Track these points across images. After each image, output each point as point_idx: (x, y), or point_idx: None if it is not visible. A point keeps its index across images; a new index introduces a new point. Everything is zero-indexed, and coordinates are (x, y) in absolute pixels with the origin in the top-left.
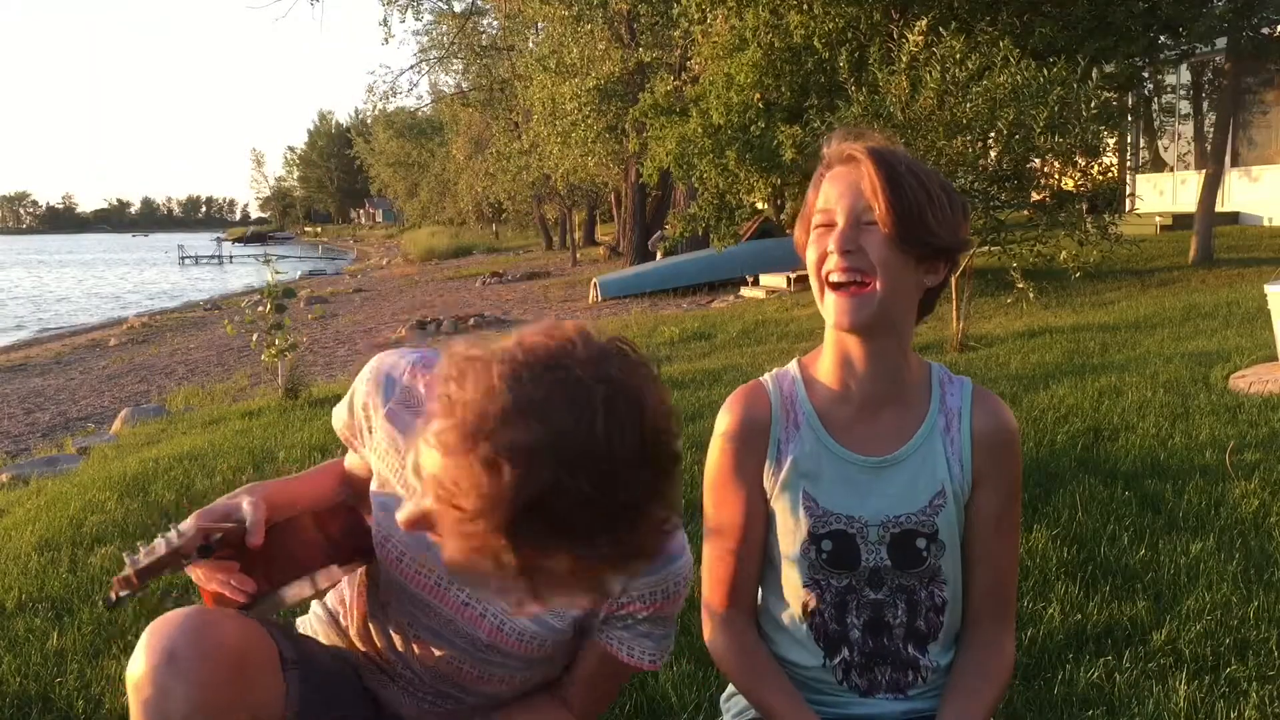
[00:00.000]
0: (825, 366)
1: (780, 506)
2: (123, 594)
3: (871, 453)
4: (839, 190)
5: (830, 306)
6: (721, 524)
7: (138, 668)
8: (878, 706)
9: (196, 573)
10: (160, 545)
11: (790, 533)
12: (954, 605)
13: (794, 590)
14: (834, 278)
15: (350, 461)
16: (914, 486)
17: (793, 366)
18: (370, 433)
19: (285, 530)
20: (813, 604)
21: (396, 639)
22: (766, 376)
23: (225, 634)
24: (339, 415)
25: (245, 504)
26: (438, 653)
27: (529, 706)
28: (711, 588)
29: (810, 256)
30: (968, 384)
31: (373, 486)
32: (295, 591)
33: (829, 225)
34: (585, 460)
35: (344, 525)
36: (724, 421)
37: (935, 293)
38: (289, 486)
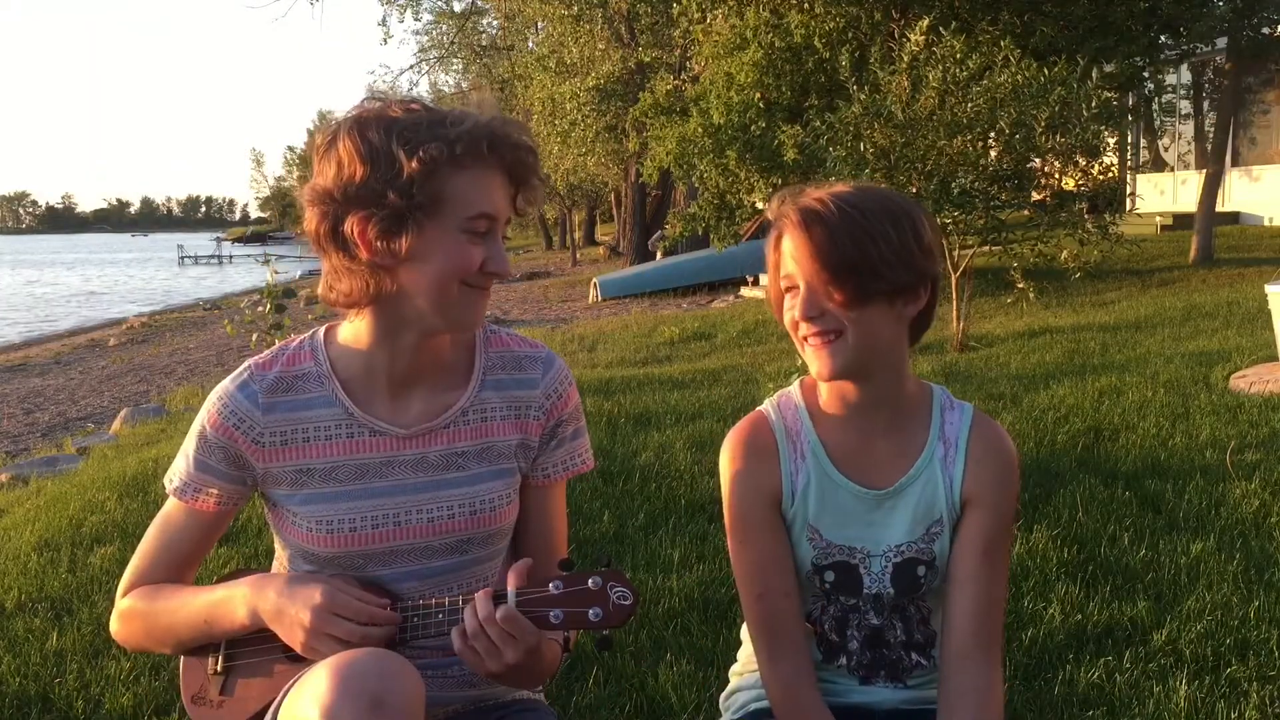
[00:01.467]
0: (825, 397)
1: (789, 532)
2: None
3: (874, 483)
4: (793, 257)
5: (810, 358)
6: (748, 558)
7: (342, 710)
8: (876, 694)
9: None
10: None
11: (796, 561)
12: (936, 613)
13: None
14: (810, 338)
15: (150, 546)
16: (914, 516)
17: (795, 391)
18: (257, 444)
19: None
20: (815, 615)
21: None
22: (769, 406)
23: (416, 683)
24: (182, 471)
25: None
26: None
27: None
28: (755, 626)
29: (785, 318)
30: (969, 411)
31: (284, 492)
32: None
33: (793, 289)
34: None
35: None
36: (733, 463)
37: (925, 314)
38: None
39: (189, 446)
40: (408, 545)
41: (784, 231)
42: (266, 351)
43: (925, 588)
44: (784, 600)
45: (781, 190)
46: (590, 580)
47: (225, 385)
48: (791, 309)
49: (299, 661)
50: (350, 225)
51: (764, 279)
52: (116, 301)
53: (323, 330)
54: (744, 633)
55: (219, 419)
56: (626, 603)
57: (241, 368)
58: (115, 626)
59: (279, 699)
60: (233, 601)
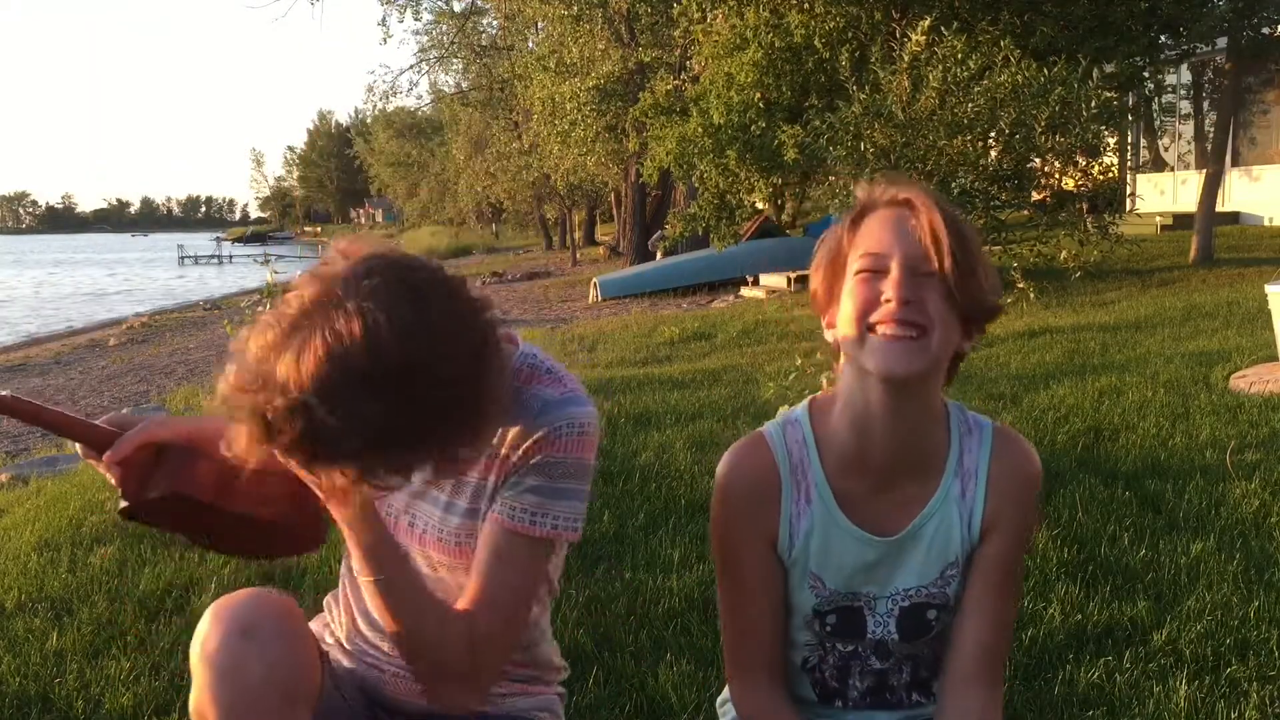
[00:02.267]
0: (840, 425)
1: (789, 589)
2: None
3: (884, 528)
4: (891, 235)
5: (877, 352)
6: (732, 594)
7: (213, 640)
8: (871, 716)
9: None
10: None
11: (795, 602)
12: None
13: (795, 645)
14: (886, 329)
15: None
16: (926, 560)
17: (803, 416)
18: None
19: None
20: (813, 663)
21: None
22: (772, 429)
23: (296, 615)
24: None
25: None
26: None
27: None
28: (730, 653)
29: (849, 305)
30: (988, 433)
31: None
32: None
33: (878, 271)
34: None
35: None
36: (728, 500)
37: (960, 359)
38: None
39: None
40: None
41: (883, 209)
42: None
43: (937, 630)
44: (767, 639)
45: (874, 181)
46: None
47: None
48: (873, 289)
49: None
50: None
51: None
52: (116, 301)
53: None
54: None
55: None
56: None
57: None
58: None
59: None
60: None
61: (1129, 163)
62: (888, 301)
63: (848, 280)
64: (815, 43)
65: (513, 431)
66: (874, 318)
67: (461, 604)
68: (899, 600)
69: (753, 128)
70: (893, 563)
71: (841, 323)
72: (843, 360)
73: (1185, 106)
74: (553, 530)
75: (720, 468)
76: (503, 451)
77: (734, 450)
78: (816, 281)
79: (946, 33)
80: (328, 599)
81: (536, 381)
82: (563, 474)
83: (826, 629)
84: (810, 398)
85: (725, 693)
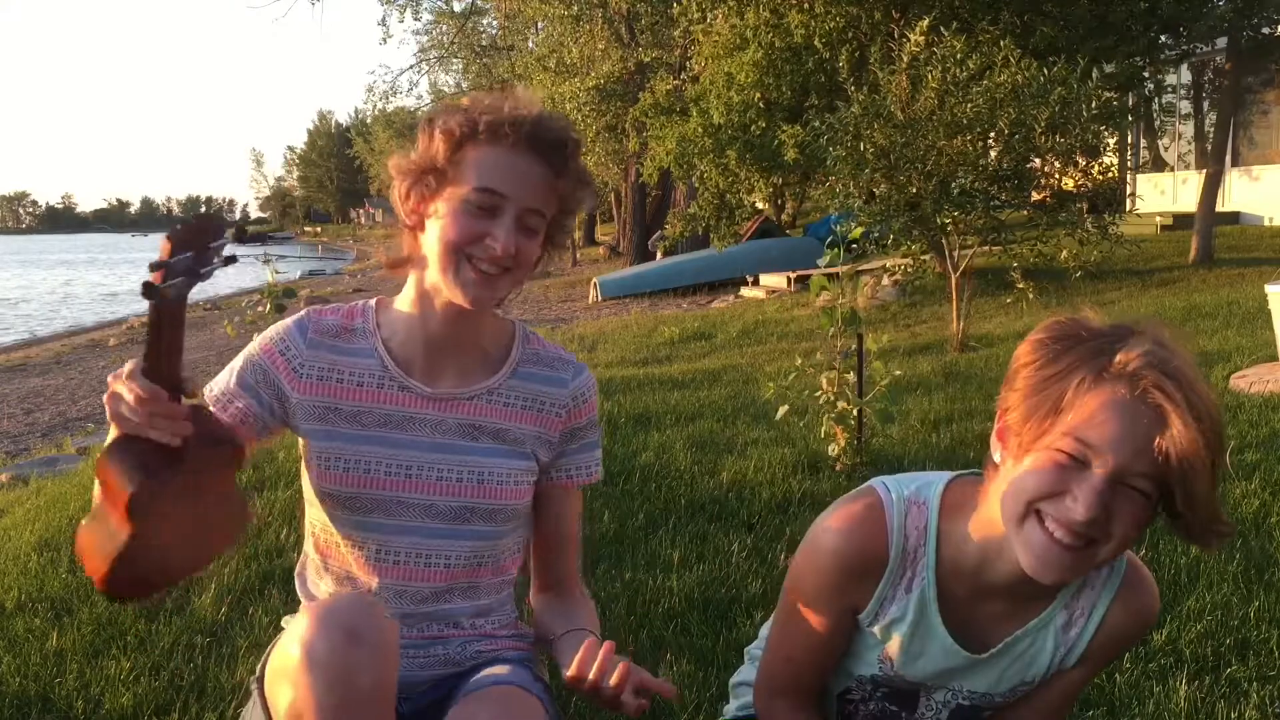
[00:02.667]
0: (970, 539)
1: (856, 639)
2: (171, 282)
3: (975, 643)
4: (1119, 433)
5: (1033, 549)
6: (792, 641)
7: (320, 644)
8: None
9: (132, 405)
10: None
11: (855, 662)
12: None
13: (831, 686)
14: (1056, 532)
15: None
16: (1004, 673)
17: (933, 503)
18: (295, 373)
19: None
20: (854, 700)
21: (382, 578)
22: (895, 504)
23: (389, 623)
24: (223, 384)
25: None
26: (424, 568)
27: (567, 613)
28: (769, 673)
29: (1031, 481)
30: (1120, 571)
31: (308, 426)
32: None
33: (1080, 462)
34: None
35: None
36: (832, 544)
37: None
38: None
39: (235, 363)
40: (414, 499)
41: (1132, 391)
42: (328, 305)
43: None
44: (811, 671)
45: (1146, 336)
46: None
47: (283, 320)
48: (1063, 479)
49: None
50: (398, 189)
51: (764, 279)
52: (116, 301)
53: (376, 300)
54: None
55: (268, 343)
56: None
57: (302, 310)
58: None
59: (270, 648)
60: None
61: (1129, 163)
62: (1072, 507)
63: (1044, 442)
64: (815, 43)
65: (565, 389)
66: (1049, 509)
67: (572, 581)
68: (960, 698)
69: (753, 128)
70: (970, 672)
71: (1015, 486)
72: (997, 480)
73: (1185, 106)
74: (599, 475)
75: (826, 524)
76: (552, 408)
77: (847, 513)
78: (1016, 392)
79: (946, 33)
80: (286, 619)
81: (542, 344)
82: (598, 427)
83: (879, 694)
84: (950, 480)
85: (740, 674)
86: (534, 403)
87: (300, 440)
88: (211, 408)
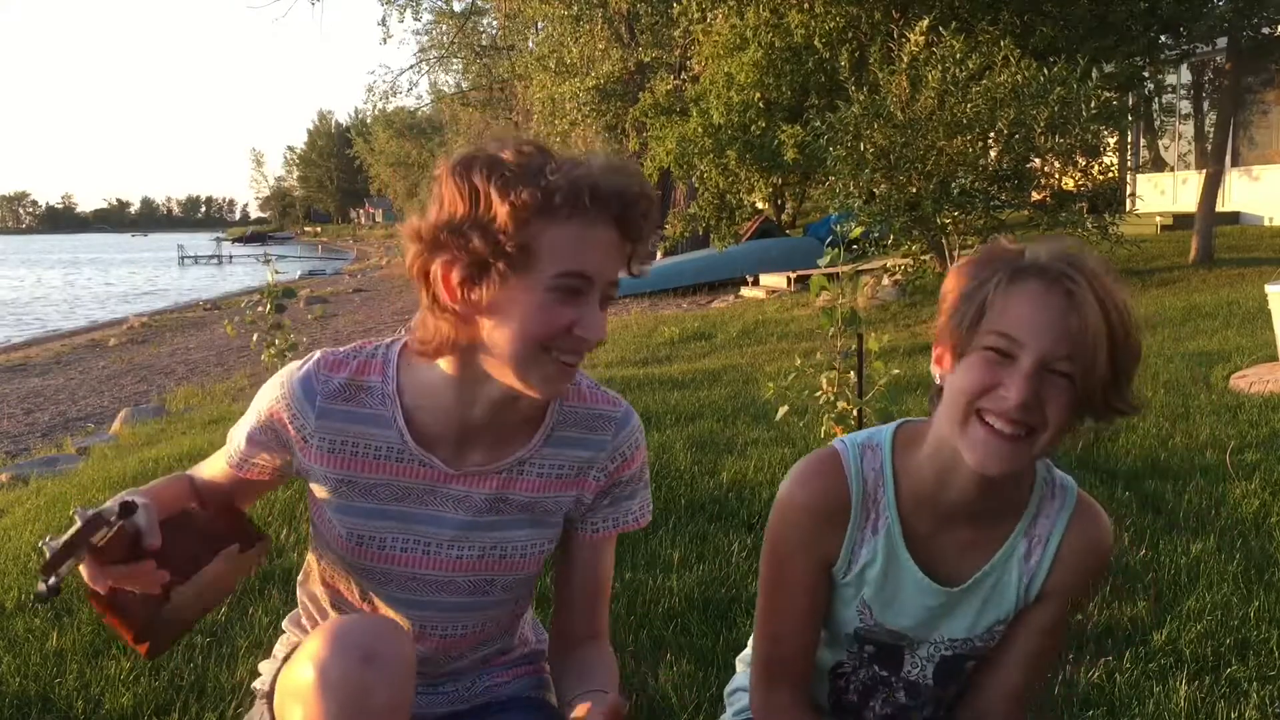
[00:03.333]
0: (924, 468)
1: (835, 595)
2: (50, 581)
3: (945, 577)
4: (1036, 321)
5: (978, 445)
6: (775, 604)
7: (334, 667)
8: None
9: (93, 569)
10: (78, 518)
11: (838, 620)
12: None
13: (823, 662)
14: (995, 423)
15: (212, 470)
16: (979, 613)
17: (885, 443)
18: (305, 442)
19: (176, 525)
20: (845, 672)
21: None
22: (850, 450)
23: (406, 643)
24: (240, 449)
25: (138, 501)
26: (439, 638)
27: (584, 671)
28: (760, 661)
29: (965, 379)
30: (1071, 500)
31: (321, 494)
32: (192, 589)
33: (1006, 355)
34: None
35: (229, 514)
36: (795, 497)
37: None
38: (158, 490)
39: (247, 421)
40: (432, 576)
41: (1045, 284)
42: (343, 349)
43: (966, 676)
44: (800, 652)
45: (1045, 239)
46: None
47: (292, 371)
48: (994, 375)
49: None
50: (437, 267)
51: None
52: (116, 301)
53: (400, 344)
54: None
55: (276, 405)
56: None
57: (313, 358)
58: None
59: (280, 662)
60: None
61: (1129, 163)
62: (1005, 397)
63: (973, 345)
64: (815, 43)
65: (604, 451)
66: (986, 404)
67: (601, 636)
68: (942, 649)
69: (753, 128)
70: (946, 612)
71: (952, 391)
72: (942, 404)
73: (1185, 106)
74: (645, 519)
75: (788, 481)
76: (593, 471)
77: (806, 465)
78: (944, 321)
79: (945, 33)
80: (286, 622)
81: (581, 397)
82: (642, 474)
83: (865, 654)
84: (899, 424)
85: (734, 682)
86: (570, 469)
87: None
88: (235, 471)
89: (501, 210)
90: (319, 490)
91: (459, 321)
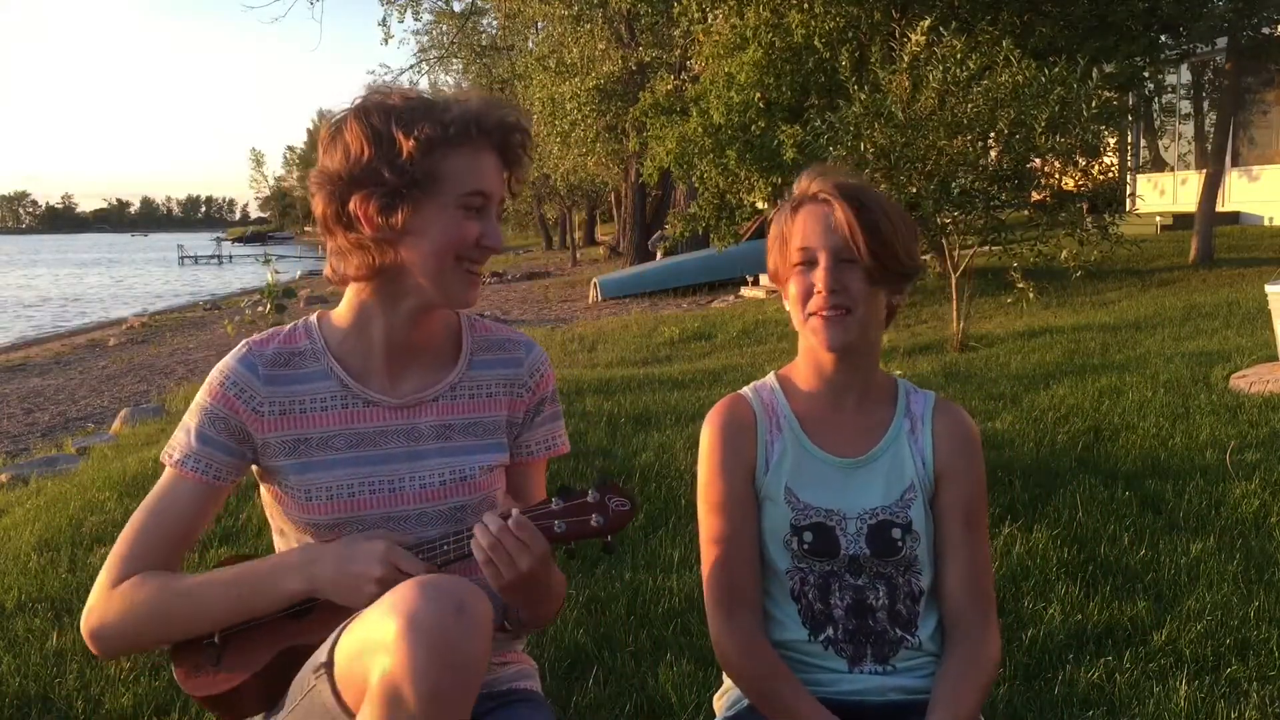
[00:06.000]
0: (802, 376)
1: (766, 501)
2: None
3: (845, 454)
4: (818, 229)
5: (816, 334)
6: (716, 525)
7: (426, 611)
8: (864, 682)
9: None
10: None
11: (774, 524)
12: (930, 594)
13: (779, 575)
14: (824, 313)
15: (151, 526)
16: (886, 483)
17: (770, 378)
18: (257, 414)
19: None
20: (797, 588)
21: None
22: (745, 389)
23: (487, 603)
24: (183, 444)
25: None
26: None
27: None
28: (714, 588)
29: (793, 289)
30: (931, 396)
31: (281, 463)
32: None
33: (811, 263)
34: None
35: None
36: (710, 427)
37: (895, 309)
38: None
39: (190, 420)
40: (403, 512)
41: (815, 204)
42: (262, 333)
43: (904, 551)
44: (745, 566)
45: (810, 169)
46: (589, 494)
47: (226, 361)
48: (808, 280)
49: (300, 618)
50: (354, 203)
51: (764, 279)
52: (116, 302)
53: (314, 316)
54: None
55: (221, 391)
56: (625, 509)
57: (240, 345)
58: (100, 619)
59: (336, 633)
60: (281, 572)
61: (1129, 163)
62: (819, 292)
63: (790, 266)
64: (815, 43)
65: (522, 368)
66: (810, 306)
67: None
68: (866, 520)
69: (753, 127)
70: (858, 485)
71: (790, 303)
72: (791, 318)
73: (1185, 106)
74: (566, 446)
75: (706, 419)
76: (518, 388)
77: (714, 407)
78: (771, 261)
79: (946, 33)
80: None
81: (487, 328)
82: (557, 398)
83: (804, 546)
84: (776, 370)
85: (723, 690)
86: (498, 388)
87: (259, 476)
88: (173, 469)
89: (407, 145)
90: (278, 460)
91: (379, 247)
